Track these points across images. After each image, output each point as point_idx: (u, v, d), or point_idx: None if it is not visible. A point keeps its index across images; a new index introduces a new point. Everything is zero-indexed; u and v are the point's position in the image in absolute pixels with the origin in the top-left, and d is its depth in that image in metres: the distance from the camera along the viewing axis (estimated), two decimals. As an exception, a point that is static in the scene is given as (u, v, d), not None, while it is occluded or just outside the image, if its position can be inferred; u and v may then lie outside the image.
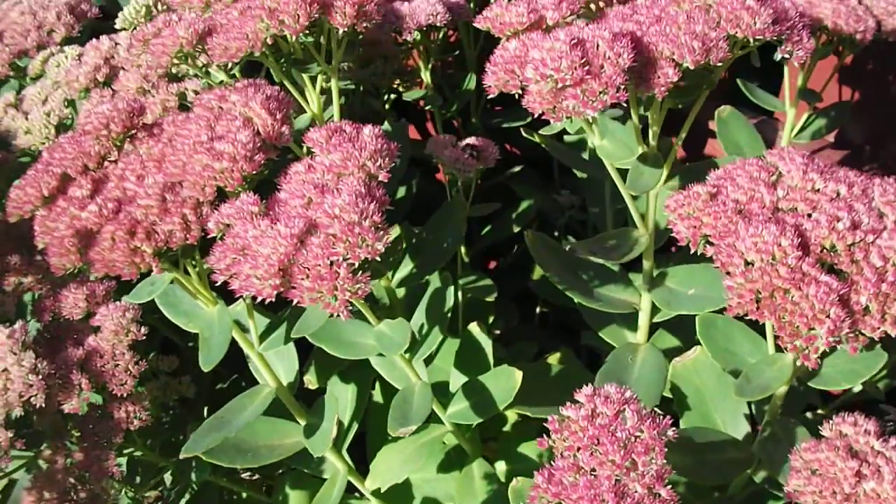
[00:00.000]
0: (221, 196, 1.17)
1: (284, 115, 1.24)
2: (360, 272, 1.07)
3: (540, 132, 1.50)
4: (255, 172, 1.17)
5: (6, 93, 1.60)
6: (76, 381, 1.34)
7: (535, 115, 1.15)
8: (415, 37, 1.72)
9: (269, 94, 1.27)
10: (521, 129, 1.93)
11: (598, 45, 1.11)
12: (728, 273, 1.05)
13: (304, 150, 1.21)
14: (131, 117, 1.29)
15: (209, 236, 1.15)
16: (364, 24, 1.29)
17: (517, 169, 2.06)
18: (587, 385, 0.97)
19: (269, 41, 1.29)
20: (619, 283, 1.51)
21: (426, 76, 1.87)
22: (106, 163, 1.29)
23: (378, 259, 1.08)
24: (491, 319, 1.84)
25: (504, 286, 1.82)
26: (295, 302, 1.04)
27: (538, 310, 2.16)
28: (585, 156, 2.15)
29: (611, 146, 1.26)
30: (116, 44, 1.59)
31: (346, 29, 1.28)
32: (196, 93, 1.50)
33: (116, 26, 1.59)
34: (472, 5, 1.92)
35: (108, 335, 1.41)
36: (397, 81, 1.86)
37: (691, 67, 1.12)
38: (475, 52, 2.03)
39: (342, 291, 1.05)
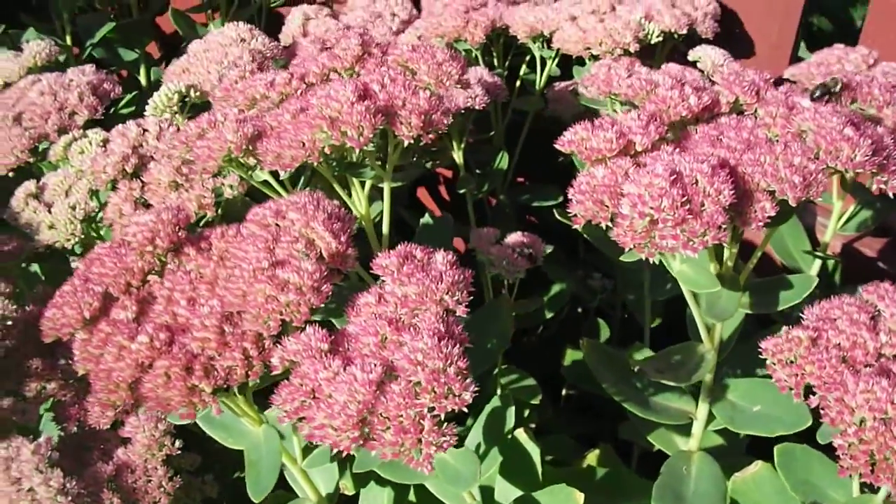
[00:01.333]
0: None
1: (349, 237, 1.16)
2: (446, 424, 1.00)
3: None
4: (322, 305, 1.09)
5: (26, 182, 1.50)
6: (107, 501, 1.25)
7: (626, 249, 1.08)
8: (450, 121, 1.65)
9: (330, 212, 1.19)
10: (555, 212, 1.88)
11: (697, 180, 1.05)
12: (840, 432, 0.99)
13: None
14: (177, 231, 1.20)
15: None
16: (430, 136, 1.21)
17: (549, 250, 1.99)
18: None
19: (326, 150, 1.21)
20: (674, 391, 1.45)
21: (458, 156, 1.80)
22: (149, 277, 1.19)
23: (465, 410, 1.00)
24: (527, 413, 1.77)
25: (532, 370, 1.76)
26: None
27: (564, 391, 2.09)
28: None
29: (691, 272, 1.20)
30: (145, 130, 1.50)
31: (411, 141, 1.20)
32: (232, 188, 1.41)
33: (146, 113, 1.50)
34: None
35: (139, 448, 1.33)
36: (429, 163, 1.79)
37: (792, 204, 1.06)
38: (502, 127, 1.97)
39: (427, 445, 0.98)
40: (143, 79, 2.53)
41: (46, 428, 1.44)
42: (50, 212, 1.47)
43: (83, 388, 1.42)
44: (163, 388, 1.08)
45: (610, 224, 1.11)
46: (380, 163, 1.30)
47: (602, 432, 2.00)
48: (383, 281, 1.14)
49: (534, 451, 1.49)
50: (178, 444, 1.35)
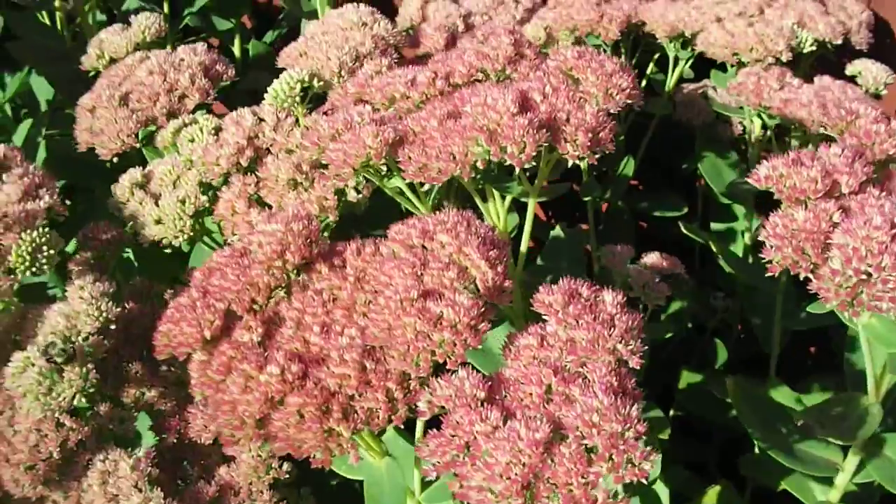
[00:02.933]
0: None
1: (506, 267, 1.03)
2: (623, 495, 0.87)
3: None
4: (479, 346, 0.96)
5: (131, 169, 1.38)
6: (209, 526, 1.15)
7: (830, 305, 0.94)
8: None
9: (484, 236, 1.06)
10: (681, 226, 1.75)
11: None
12: None
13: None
14: (308, 244, 1.07)
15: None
16: (595, 156, 1.08)
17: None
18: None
19: (479, 165, 1.08)
20: (821, 440, 1.32)
21: (583, 162, 1.65)
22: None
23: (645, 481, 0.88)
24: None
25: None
26: None
27: (671, 413, 1.96)
28: (736, 249, 1.96)
29: (883, 328, 1.06)
30: (261, 119, 1.37)
31: (575, 160, 1.07)
32: (358, 191, 1.29)
33: (266, 102, 1.37)
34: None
35: (245, 469, 1.22)
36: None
37: None
38: (624, 128, 1.83)
39: (599, 520, 0.85)
40: (236, 50, 2.41)
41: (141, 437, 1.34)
42: (157, 205, 1.36)
43: (184, 397, 1.31)
44: (295, 428, 0.97)
45: (810, 276, 0.97)
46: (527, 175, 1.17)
47: (709, 460, 1.90)
48: (544, 320, 1.01)
49: (663, 492, 1.38)
50: (286, 467, 1.23)
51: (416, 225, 1.09)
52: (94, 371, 1.20)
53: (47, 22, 2.28)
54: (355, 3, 1.65)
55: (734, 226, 2.01)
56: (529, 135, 1.08)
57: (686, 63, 1.85)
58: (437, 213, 1.12)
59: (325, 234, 1.37)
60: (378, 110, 1.29)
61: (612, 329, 0.99)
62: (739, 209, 1.98)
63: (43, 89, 2.06)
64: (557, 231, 1.51)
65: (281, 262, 1.08)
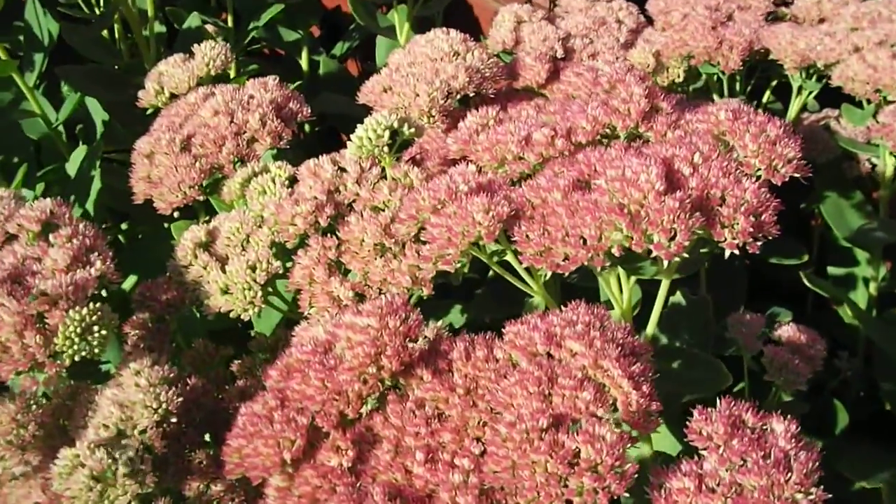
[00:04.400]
0: None
1: (652, 385, 0.83)
2: None
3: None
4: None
5: (194, 227, 1.20)
6: None
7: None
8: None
9: (623, 343, 0.87)
10: (803, 277, 1.54)
11: None
12: None
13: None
14: (408, 344, 0.88)
15: None
16: (757, 244, 0.88)
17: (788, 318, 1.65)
18: None
19: (615, 252, 0.88)
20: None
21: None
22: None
23: None
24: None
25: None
26: None
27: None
28: (857, 298, 1.74)
29: None
30: (342, 169, 1.18)
31: (734, 250, 0.87)
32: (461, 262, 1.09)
33: (349, 151, 1.18)
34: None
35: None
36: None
37: None
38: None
39: None
40: (303, 63, 2.22)
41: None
42: (224, 270, 1.17)
43: (253, 494, 1.12)
44: None
45: None
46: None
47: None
48: (702, 456, 0.82)
49: None
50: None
51: (539, 327, 0.90)
52: (153, 472, 1.02)
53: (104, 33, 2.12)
54: (444, 30, 1.45)
55: (854, 271, 1.80)
56: (681, 220, 0.88)
57: (810, 94, 1.62)
58: (563, 309, 0.92)
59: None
60: (481, 168, 1.09)
61: (789, 473, 0.79)
62: (862, 254, 1.76)
63: (98, 109, 1.88)
64: (678, 297, 1.31)
65: (375, 369, 0.89)
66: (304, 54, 2.23)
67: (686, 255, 0.90)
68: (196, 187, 1.26)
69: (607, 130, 1.06)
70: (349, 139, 1.21)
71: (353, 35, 2.25)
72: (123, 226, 1.97)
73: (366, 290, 1.17)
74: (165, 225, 1.69)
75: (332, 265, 1.18)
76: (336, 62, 2.09)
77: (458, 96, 1.37)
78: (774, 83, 1.76)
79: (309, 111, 1.35)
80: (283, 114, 1.33)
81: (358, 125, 1.21)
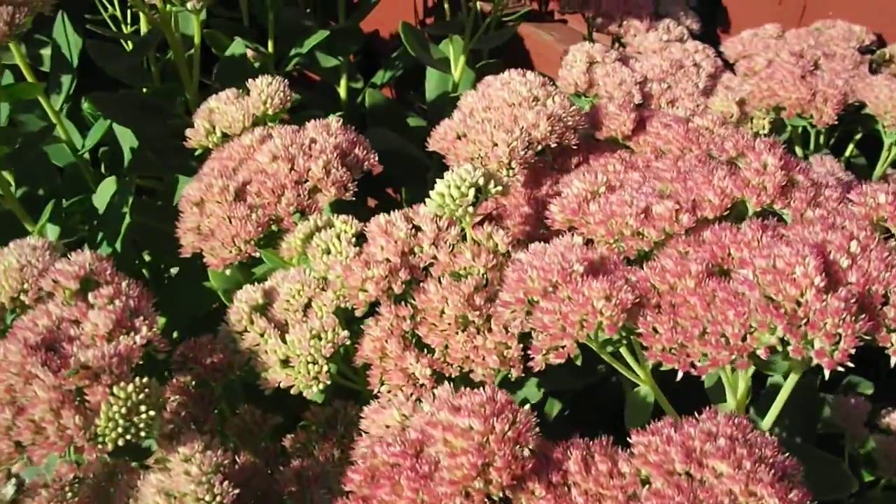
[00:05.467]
0: None
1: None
2: None
3: None
4: None
5: (249, 287, 1.07)
6: None
7: None
8: None
9: (773, 462, 0.74)
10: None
11: None
12: None
13: None
14: (519, 451, 0.76)
15: None
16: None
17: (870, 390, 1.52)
18: None
19: (761, 354, 0.75)
20: None
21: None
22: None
23: None
24: None
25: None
26: None
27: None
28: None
29: None
30: (416, 228, 1.05)
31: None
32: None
33: (426, 209, 1.05)
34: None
35: None
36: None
37: None
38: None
39: None
40: (342, 91, 2.09)
41: None
42: (284, 339, 1.03)
43: None
44: None
45: None
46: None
47: None
48: None
49: None
50: None
51: (675, 440, 0.77)
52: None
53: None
54: (520, 71, 1.32)
55: None
56: (847, 324, 0.75)
57: (898, 151, 1.50)
58: (700, 418, 0.79)
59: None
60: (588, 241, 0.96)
61: None
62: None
63: (127, 135, 1.74)
64: (777, 378, 1.18)
65: (482, 483, 0.75)
66: (343, 81, 2.10)
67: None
68: (252, 242, 1.12)
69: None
70: (428, 197, 1.07)
71: (396, 64, 2.12)
72: (146, 255, 1.83)
73: (445, 367, 1.03)
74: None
75: (406, 337, 1.05)
76: (382, 95, 1.96)
77: (539, 147, 1.24)
78: (858, 136, 1.63)
79: (375, 158, 1.22)
80: (348, 161, 1.19)
81: (438, 182, 1.08)
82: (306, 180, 1.17)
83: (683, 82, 1.52)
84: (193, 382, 1.17)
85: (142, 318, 1.03)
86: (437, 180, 1.09)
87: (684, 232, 0.91)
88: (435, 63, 1.73)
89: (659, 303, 0.86)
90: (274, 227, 1.16)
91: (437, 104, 1.89)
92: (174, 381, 1.17)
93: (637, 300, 0.86)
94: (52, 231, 1.46)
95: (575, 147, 1.27)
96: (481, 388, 0.87)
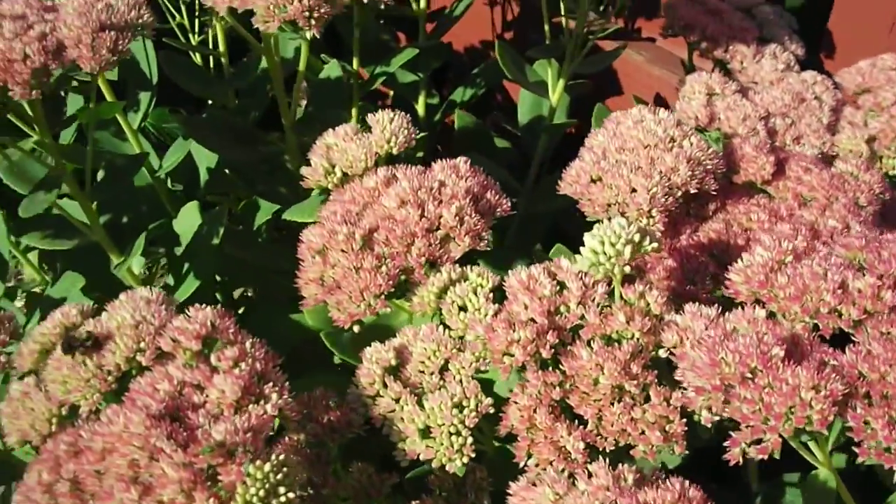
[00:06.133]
0: None
1: None
2: None
3: None
4: None
5: (378, 346, 0.98)
6: None
7: None
8: None
9: None
10: None
11: None
12: None
13: None
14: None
15: None
16: None
17: None
18: None
19: None
20: None
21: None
22: None
23: None
24: None
25: None
26: None
27: None
28: None
29: None
30: (561, 285, 0.97)
31: None
32: (712, 412, 0.87)
33: (576, 266, 0.96)
34: None
35: None
36: None
37: None
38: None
39: None
40: (419, 108, 2.00)
41: None
42: (421, 405, 0.95)
43: None
44: None
45: None
46: None
47: None
48: None
49: None
50: None
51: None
52: None
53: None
54: (652, 108, 1.23)
55: None
56: None
57: None
58: None
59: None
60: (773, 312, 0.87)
61: None
62: None
63: (204, 154, 1.66)
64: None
65: None
66: (422, 98, 2.01)
67: None
68: (383, 296, 1.04)
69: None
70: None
71: (478, 81, 2.02)
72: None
73: (599, 441, 0.95)
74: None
75: (556, 407, 0.96)
76: (472, 118, 1.86)
77: (679, 193, 1.15)
78: None
79: (508, 206, 1.13)
80: (481, 206, 1.11)
81: (587, 237, 0.99)
82: (437, 228, 1.08)
83: (807, 117, 1.43)
84: (307, 442, 1.09)
85: (270, 382, 0.95)
86: (587, 235, 1.01)
87: (889, 310, 0.82)
88: (531, 86, 1.64)
89: (868, 392, 0.77)
90: (402, 278, 1.07)
91: (531, 128, 1.80)
92: (286, 439, 1.08)
93: (846, 390, 0.77)
94: (138, 263, 1.37)
95: (715, 192, 1.18)
96: (669, 483, 0.79)
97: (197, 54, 1.89)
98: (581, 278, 1.02)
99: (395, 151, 1.15)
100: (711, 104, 1.42)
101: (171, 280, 1.52)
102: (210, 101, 1.87)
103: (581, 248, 1.00)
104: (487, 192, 1.13)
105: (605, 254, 0.99)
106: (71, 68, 1.21)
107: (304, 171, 1.17)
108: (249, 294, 1.93)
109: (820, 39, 1.83)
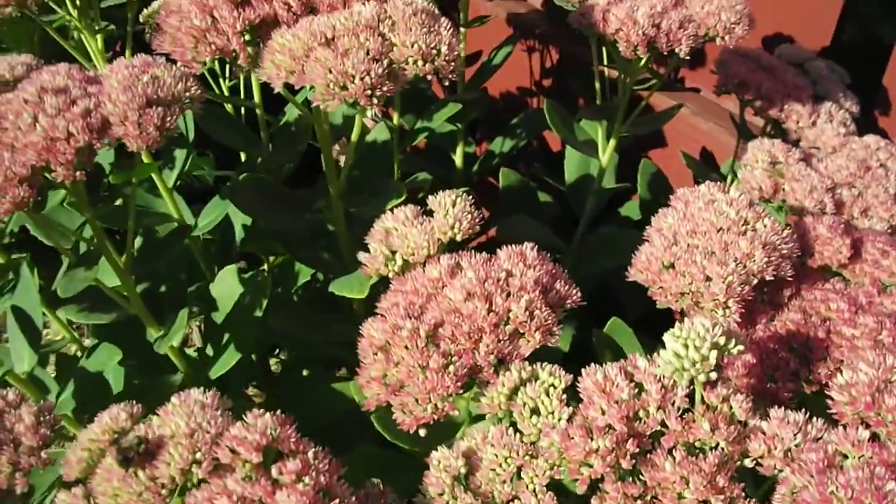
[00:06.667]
0: None
1: None
2: None
3: None
4: None
5: (445, 452, 0.93)
6: None
7: None
8: None
9: None
10: None
11: None
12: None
13: None
14: None
15: None
16: None
17: None
18: None
19: None
20: None
21: None
22: None
23: None
24: None
25: None
26: None
27: None
28: None
29: None
30: (639, 387, 0.91)
31: None
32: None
33: (656, 370, 0.91)
34: None
35: None
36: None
37: None
38: None
39: None
40: (457, 159, 1.94)
41: None
42: (494, 520, 0.89)
43: None
44: None
45: None
46: None
47: None
48: None
49: None
50: None
51: None
52: None
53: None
54: (719, 185, 1.17)
55: None
56: None
57: None
58: None
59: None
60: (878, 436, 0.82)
61: None
62: None
63: (239, 213, 1.60)
64: None
65: None
66: (460, 149, 1.95)
67: None
68: (451, 398, 0.98)
69: None
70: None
71: (519, 132, 1.97)
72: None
73: (683, 562, 0.89)
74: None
75: (638, 523, 0.90)
76: (517, 175, 1.81)
77: (755, 280, 1.09)
78: None
79: (578, 296, 1.07)
80: (550, 298, 1.05)
81: (668, 338, 0.94)
82: (506, 322, 1.02)
83: (873, 187, 1.37)
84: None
85: (336, 500, 0.89)
86: (667, 336, 0.95)
87: None
88: (579, 145, 1.59)
89: None
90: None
91: (578, 187, 1.75)
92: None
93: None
94: (177, 337, 1.32)
95: (792, 277, 1.12)
96: None
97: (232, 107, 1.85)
98: (660, 380, 0.96)
99: (459, 238, 1.09)
100: (775, 177, 1.37)
101: (199, 340, 1.47)
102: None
103: (661, 352, 0.95)
104: (556, 282, 1.07)
105: (688, 358, 0.93)
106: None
107: (362, 257, 1.12)
108: (281, 355, 1.88)
109: (875, 95, 1.78)
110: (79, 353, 1.90)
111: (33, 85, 1.16)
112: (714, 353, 0.93)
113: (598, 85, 1.57)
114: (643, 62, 1.46)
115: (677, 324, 0.96)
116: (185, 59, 1.17)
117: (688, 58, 1.43)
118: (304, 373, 1.67)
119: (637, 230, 1.78)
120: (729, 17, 1.45)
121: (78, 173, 1.10)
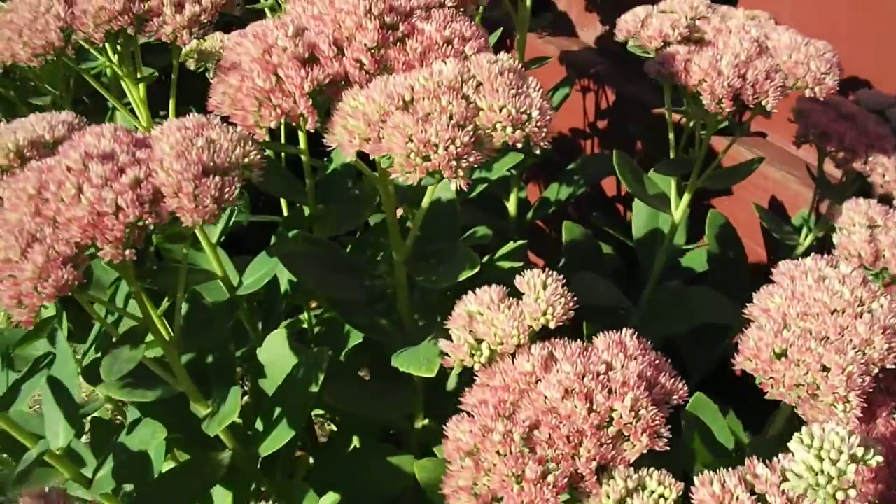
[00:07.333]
0: None
1: None
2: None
3: None
4: None
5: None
6: None
7: None
8: None
9: None
10: None
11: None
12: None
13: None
14: None
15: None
16: None
17: None
18: None
19: None
20: None
21: None
22: None
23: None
24: None
25: None
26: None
27: None
28: None
29: None
30: (762, 500, 0.81)
31: None
32: None
33: (791, 486, 0.81)
34: None
35: None
36: None
37: None
38: None
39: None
40: (511, 206, 1.87)
41: None
42: None
43: None
44: None
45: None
46: None
47: None
48: None
49: None
50: None
51: None
52: None
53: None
54: (829, 259, 1.07)
55: None
56: None
57: None
58: None
59: None
60: None
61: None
62: None
63: (285, 271, 1.50)
64: None
65: None
66: (514, 197, 1.85)
67: None
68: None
69: None
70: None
71: (576, 179, 1.87)
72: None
73: None
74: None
75: None
76: (581, 228, 1.71)
77: (876, 370, 0.99)
78: None
79: (685, 391, 0.97)
80: (655, 394, 0.94)
81: (796, 447, 0.83)
82: (609, 423, 0.91)
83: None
84: None
85: None
86: (795, 443, 0.85)
87: None
88: (650, 199, 1.48)
89: None
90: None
91: (646, 243, 1.64)
92: None
93: None
94: (229, 419, 1.21)
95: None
96: None
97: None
98: (784, 492, 0.86)
99: (552, 325, 0.99)
100: (875, 238, 1.26)
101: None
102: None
103: (791, 464, 0.84)
104: (661, 375, 0.97)
105: (823, 472, 0.83)
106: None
107: (443, 345, 1.01)
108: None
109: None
110: (115, 417, 1.80)
111: (76, 150, 1.05)
112: (852, 468, 0.83)
113: (671, 135, 1.46)
114: (726, 114, 1.36)
115: (805, 429, 0.86)
116: (246, 123, 1.07)
117: (775, 110, 1.33)
118: (355, 440, 1.57)
119: (704, 286, 1.68)
120: (819, 66, 1.35)
121: (127, 252, 0.99)
